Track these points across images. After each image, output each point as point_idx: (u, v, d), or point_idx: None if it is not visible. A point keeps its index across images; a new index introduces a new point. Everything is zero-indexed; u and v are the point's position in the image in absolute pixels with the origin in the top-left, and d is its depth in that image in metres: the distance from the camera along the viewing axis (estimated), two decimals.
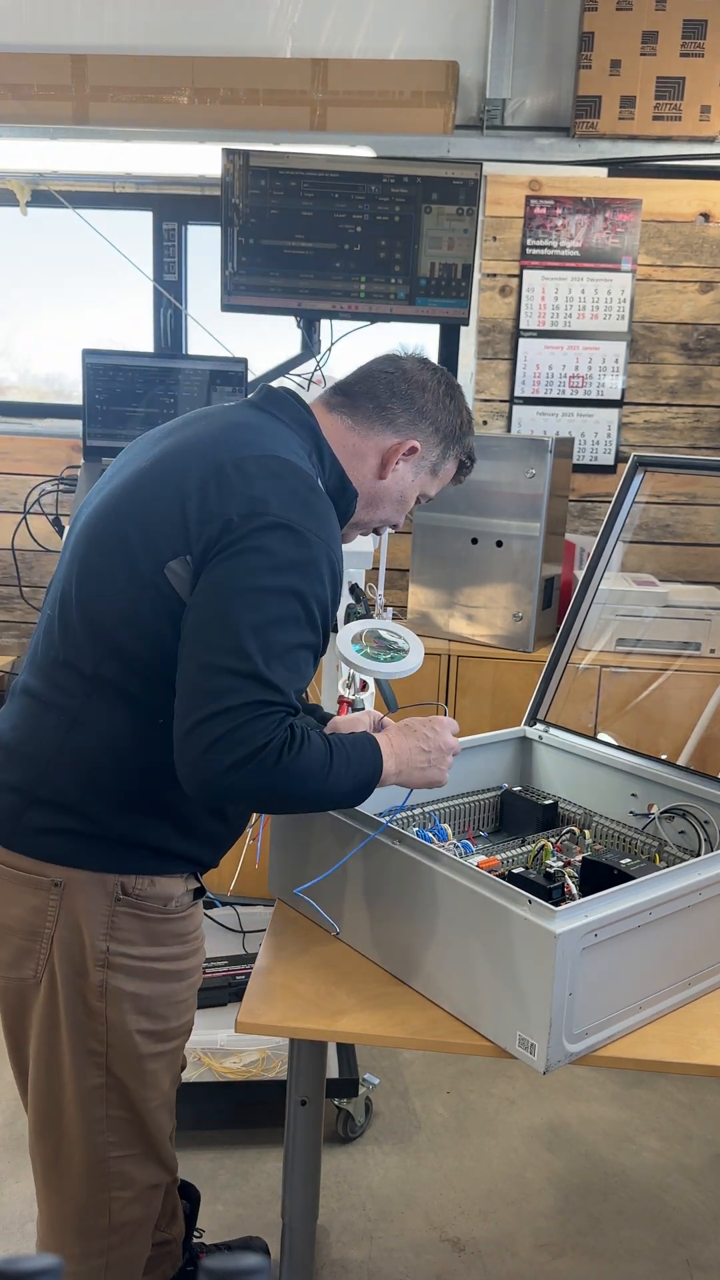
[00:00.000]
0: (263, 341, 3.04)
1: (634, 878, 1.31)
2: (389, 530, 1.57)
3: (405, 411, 1.43)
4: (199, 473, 1.25)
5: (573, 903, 1.21)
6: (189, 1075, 2.15)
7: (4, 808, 1.32)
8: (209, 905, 2.71)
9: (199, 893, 1.43)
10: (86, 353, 2.67)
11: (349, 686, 1.98)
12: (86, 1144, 1.36)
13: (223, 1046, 2.19)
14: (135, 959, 1.33)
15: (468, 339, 3.21)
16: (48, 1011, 1.33)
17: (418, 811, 1.66)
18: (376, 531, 1.55)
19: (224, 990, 2.32)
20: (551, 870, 1.42)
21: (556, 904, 1.20)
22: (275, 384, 1.47)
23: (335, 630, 1.70)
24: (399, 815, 1.63)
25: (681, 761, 2.21)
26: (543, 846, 1.56)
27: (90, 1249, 1.40)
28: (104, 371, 2.66)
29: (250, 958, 2.40)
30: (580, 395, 3.22)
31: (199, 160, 2.90)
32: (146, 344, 3.36)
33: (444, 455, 1.48)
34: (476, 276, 3.10)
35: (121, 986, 1.32)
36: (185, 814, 1.32)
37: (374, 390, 1.43)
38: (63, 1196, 1.40)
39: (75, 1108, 1.35)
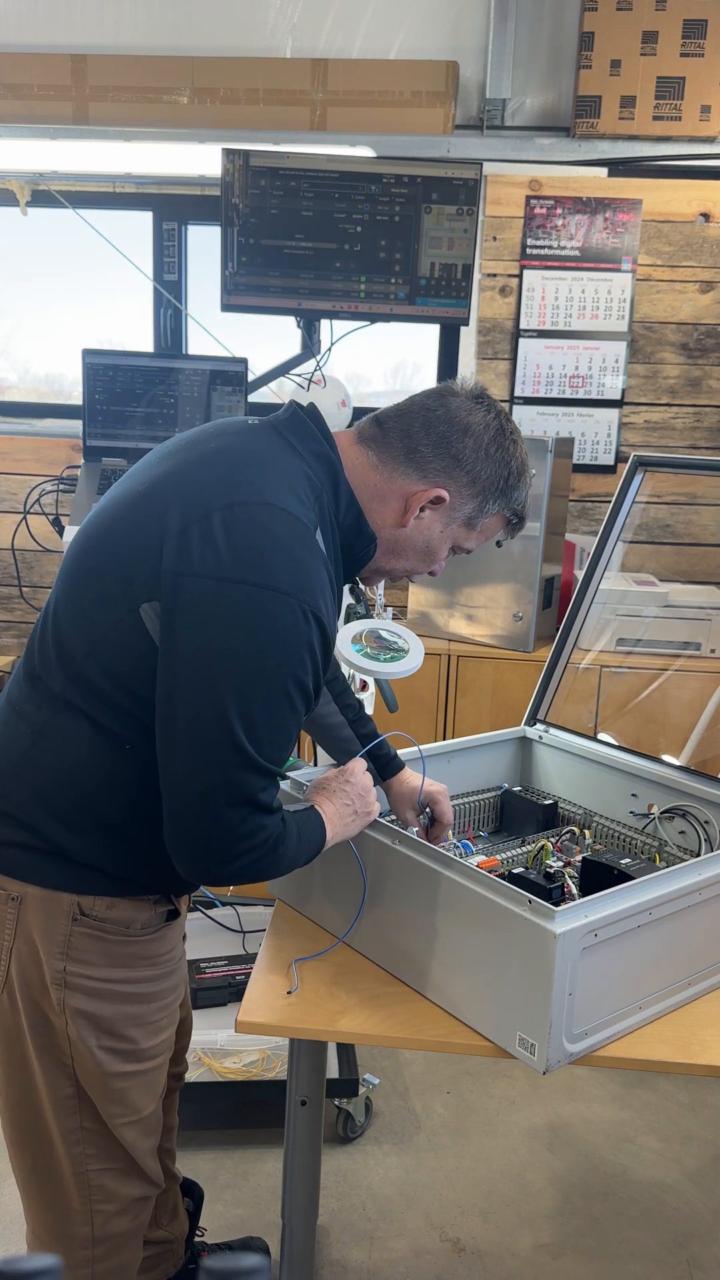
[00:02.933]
0: (263, 341, 3.04)
1: (634, 878, 1.31)
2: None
3: (438, 457, 1.28)
4: (183, 514, 1.17)
5: (573, 903, 1.21)
6: (189, 1075, 2.15)
7: None
8: (209, 905, 2.71)
9: (173, 914, 1.37)
10: (86, 353, 2.67)
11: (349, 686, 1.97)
12: (65, 1155, 1.33)
13: (223, 1046, 2.19)
14: (94, 980, 1.27)
15: (468, 339, 3.21)
16: (12, 1022, 1.29)
17: None
18: (410, 579, 1.44)
19: (224, 990, 2.32)
20: (551, 870, 1.42)
21: (556, 904, 1.20)
22: (308, 401, 1.36)
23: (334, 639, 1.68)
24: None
25: (681, 761, 2.21)
26: (543, 846, 1.56)
27: (75, 1259, 1.37)
28: (104, 371, 2.66)
29: (250, 958, 2.40)
30: (580, 395, 3.22)
31: (199, 160, 2.90)
32: (146, 344, 3.36)
33: (482, 509, 1.32)
34: (476, 276, 3.10)
35: (79, 1006, 1.27)
36: (144, 844, 1.25)
37: (409, 428, 1.29)
38: (43, 1206, 1.37)
39: (50, 1117, 1.31)
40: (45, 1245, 1.38)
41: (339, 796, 1.38)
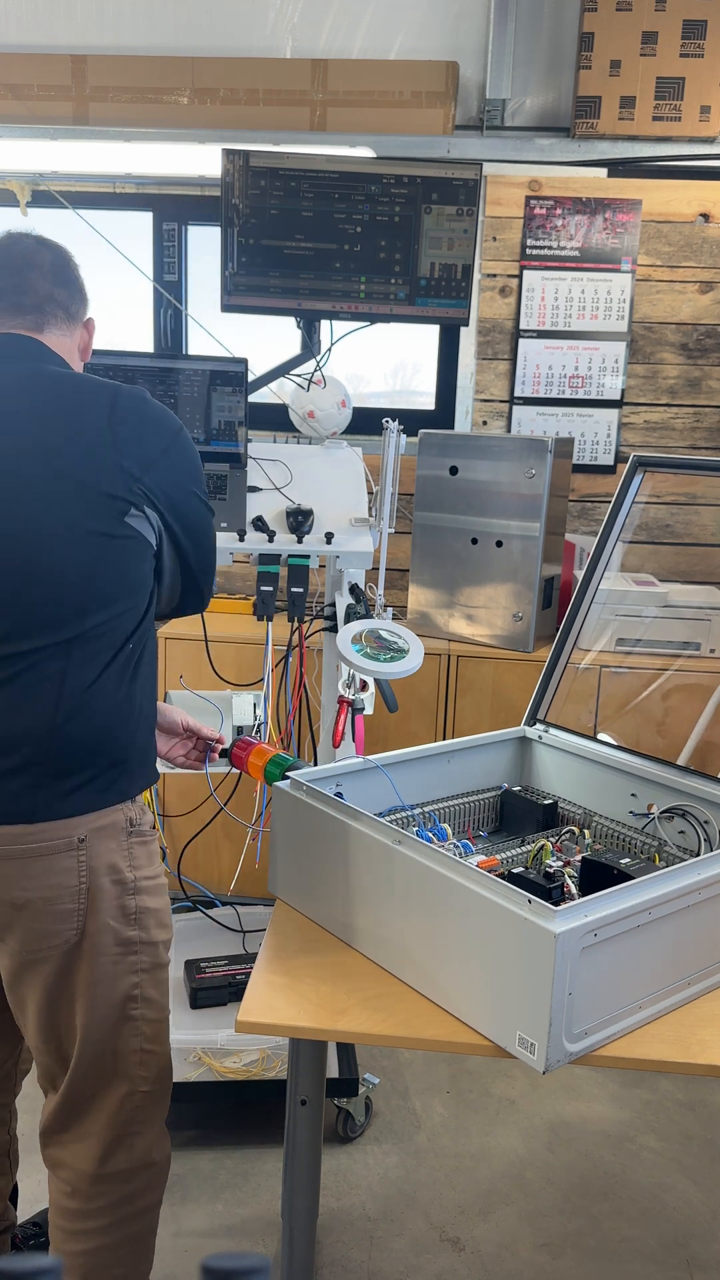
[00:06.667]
0: (263, 342, 3.04)
1: (633, 877, 1.31)
2: (389, 530, 1.62)
3: (78, 297, 1.56)
4: (105, 419, 1.42)
5: (572, 902, 1.21)
6: (189, 1075, 2.15)
7: (18, 789, 1.37)
8: (209, 905, 2.71)
9: None
10: None
11: (349, 686, 1.98)
12: (122, 1079, 1.47)
13: (223, 1046, 2.19)
14: (150, 879, 1.47)
15: (468, 339, 3.21)
16: (88, 965, 1.42)
17: (417, 812, 1.66)
18: None
19: (224, 990, 2.32)
20: (551, 870, 1.42)
21: (556, 904, 1.20)
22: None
23: (335, 630, 1.72)
24: (399, 815, 1.63)
25: (681, 761, 2.21)
26: (542, 846, 1.56)
27: (121, 1194, 1.49)
28: (104, 371, 2.65)
29: (250, 958, 2.41)
30: (580, 395, 3.22)
31: (199, 160, 2.90)
32: (147, 344, 3.36)
33: (87, 306, 1.61)
34: (476, 277, 3.10)
35: (148, 904, 1.47)
36: (150, 712, 1.49)
37: (51, 295, 1.51)
38: (85, 1139, 1.48)
39: (117, 1044, 1.46)
40: (82, 1184, 1.49)
41: None
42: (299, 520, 2.16)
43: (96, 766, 1.39)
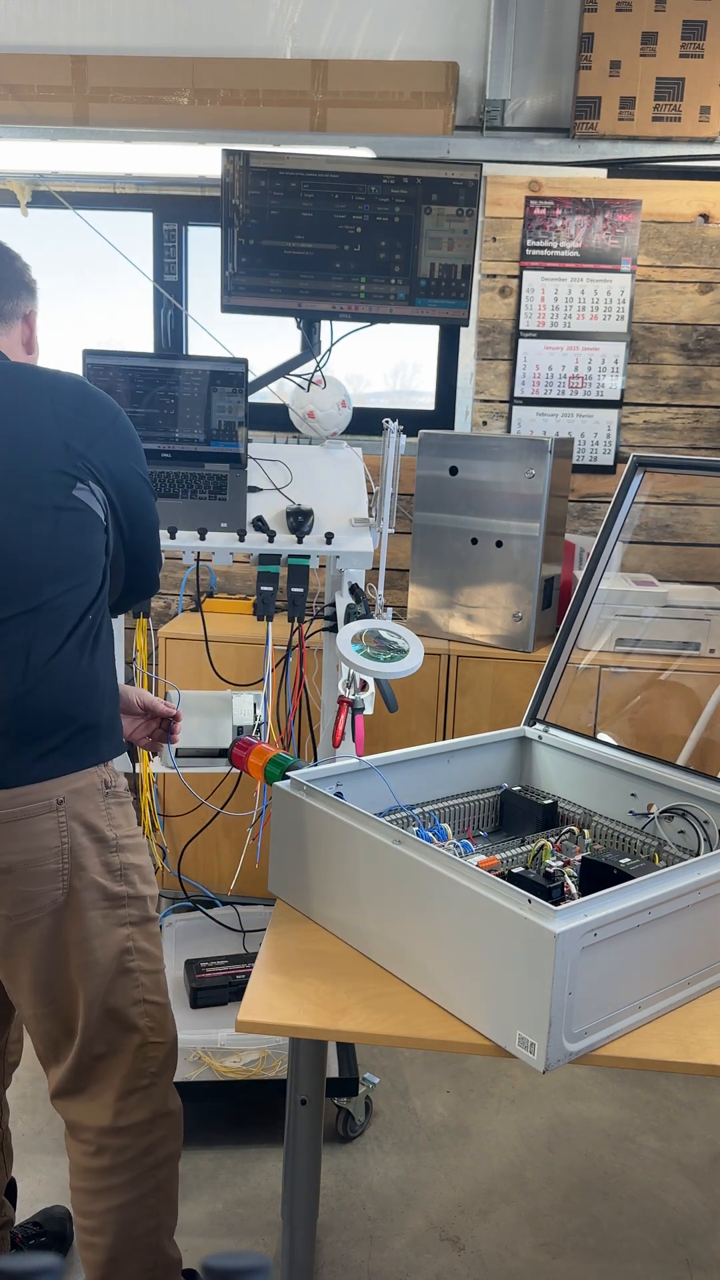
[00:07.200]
0: (263, 342, 3.04)
1: (633, 877, 1.31)
2: (389, 530, 1.63)
3: (10, 295, 1.58)
4: (54, 405, 1.47)
5: (572, 902, 1.21)
6: (189, 1075, 2.15)
7: None
8: (209, 905, 2.71)
9: None
10: (87, 353, 2.67)
11: (349, 686, 1.98)
12: (130, 1029, 1.50)
13: (223, 1046, 2.19)
14: (131, 837, 1.52)
15: (467, 340, 3.21)
16: (78, 922, 1.44)
17: (417, 811, 1.67)
18: None
19: (224, 990, 2.32)
20: (551, 870, 1.42)
21: (556, 904, 1.20)
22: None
23: (335, 630, 1.73)
24: (399, 815, 1.63)
25: (681, 761, 2.21)
26: (542, 846, 1.56)
27: (139, 1146, 1.53)
28: (104, 371, 2.65)
29: (250, 957, 2.41)
30: (580, 396, 3.22)
31: (199, 161, 2.90)
32: (147, 344, 3.36)
33: (35, 299, 1.64)
34: (476, 277, 3.10)
35: (131, 860, 1.51)
36: (113, 685, 1.53)
37: None
38: (104, 1098, 1.51)
39: (119, 998, 1.49)
40: (106, 1139, 1.51)
41: None
42: (299, 520, 2.16)
43: (67, 731, 1.43)
